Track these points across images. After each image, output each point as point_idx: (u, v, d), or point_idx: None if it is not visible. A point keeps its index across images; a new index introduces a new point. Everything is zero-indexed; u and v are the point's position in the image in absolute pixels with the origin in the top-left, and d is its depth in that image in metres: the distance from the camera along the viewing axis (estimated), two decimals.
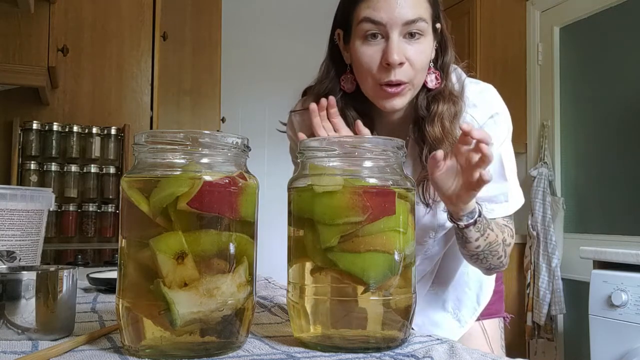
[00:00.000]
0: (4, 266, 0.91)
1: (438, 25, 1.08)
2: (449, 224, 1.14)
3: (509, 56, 3.51)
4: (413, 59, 1.01)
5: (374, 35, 1.01)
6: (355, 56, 1.04)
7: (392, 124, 1.13)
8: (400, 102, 1.04)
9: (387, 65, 1.00)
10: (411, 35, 1.00)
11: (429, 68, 1.08)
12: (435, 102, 1.07)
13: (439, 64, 1.10)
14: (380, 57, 1.01)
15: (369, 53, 1.02)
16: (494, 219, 1.10)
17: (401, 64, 1.00)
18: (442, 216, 1.12)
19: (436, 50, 1.09)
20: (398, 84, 1.01)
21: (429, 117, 1.07)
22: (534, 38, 3.51)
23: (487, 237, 1.03)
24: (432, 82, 1.08)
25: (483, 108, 1.09)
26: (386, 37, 1.00)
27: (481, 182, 0.91)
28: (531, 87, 3.52)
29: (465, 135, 0.89)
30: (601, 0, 3.05)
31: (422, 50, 1.02)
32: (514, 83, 3.51)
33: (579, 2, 3.21)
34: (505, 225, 1.10)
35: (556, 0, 3.36)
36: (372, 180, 0.66)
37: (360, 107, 1.11)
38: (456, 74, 1.12)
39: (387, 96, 1.03)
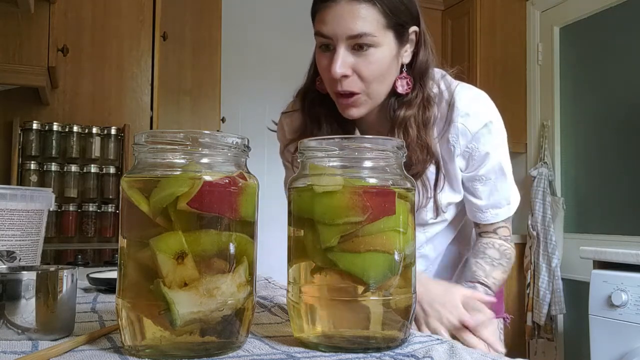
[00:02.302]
0: (4, 266, 0.91)
1: (414, 29, 1.06)
2: (437, 220, 1.15)
3: (509, 56, 3.51)
4: (360, 70, 1.01)
5: (327, 47, 1.03)
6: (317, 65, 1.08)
7: (374, 124, 1.14)
8: (356, 112, 1.05)
9: (332, 77, 1.02)
10: (360, 46, 1.00)
11: (402, 72, 1.07)
12: (401, 107, 1.07)
13: (412, 69, 1.09)
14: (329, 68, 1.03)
15: (323, 63, 1.04)
16: (500, 232, 1.15)
17: (346, 76, 1.01)
18: (428, 214, 1.13)
19: (413, 54, 1.09)
20: (349, 95, 1.03)
21: (394, 122, 1.07)
22: (534, 38, 3.51)
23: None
24: (402, 87, 1.07)
25: (475, 117, 1.08)
26: (334, 49, 1.01)
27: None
28: (531, 87, 3.52)
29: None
30: (601, 0, 3.05)
31: (371, 61, 1.01)
32: (514, 83, 3.51)
33: (579, 2, 3.21)
34: (506, 247, 1.15)
35: (556, 0, 3.36)
36: (372, 180, 0.66)
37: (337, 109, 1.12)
38: (445, 81, 1.11)
39: (343, 106, 1.05)
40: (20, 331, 0.65)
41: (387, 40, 1.02)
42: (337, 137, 0.70)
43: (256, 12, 3.77)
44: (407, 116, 1.06)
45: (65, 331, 0.69)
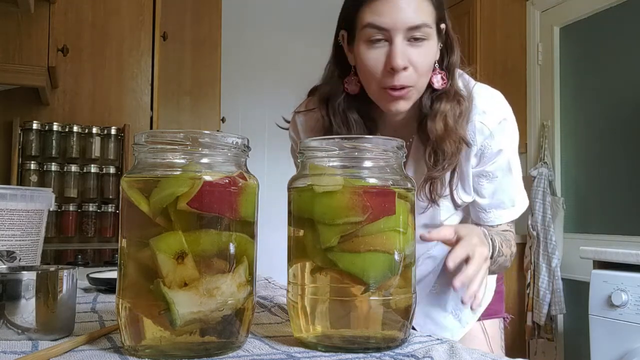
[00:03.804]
0: (4, 266, 0.91)
1: (443, 26, 1.07)
2: (450, 222, 1.15)
3: (509, 56, 3.51)
4: (417, 63, 1.00)
5: (378, 40, 1.00)
6: (360, 60, 1.04)
7: (396, 125, 1.13)
8: (404, 105, 1.04)
9: (391, 69, 0.99)
10: (415, 39, 1.00)
11: (435, 69, 1.07)
12: (439, 100, 1.07)
13: (445, 65, 1.09)
14: (384, 62, 1.00)
15: (373, 57, 1.01)
16: (504, 231, 1.13)
17: (405, 68, 0.99)
18: (445, 214, 1.12)
19: (441, 50, 1.09)
20: (402, 88, 1.01)
21: (432, 114, 1.07)
22: (534, 38, 3.51)
23: (497, 263, 1.05)
24: (438, 82, 1.07)
25: (492, 114, 1.08)
26: (390, 41, 1.00)
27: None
28: (531, 87, 3.52)
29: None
30: (601, 0, 3.05)
31: (426, 53, 1.01)
32: (514, 83, 3.51)
33: (579, 2, 3.21)
34: (509, 237, 1.12)
35: (556, 0, 3.36)
36: (372, 180, 0.66)
37: (364, 109, 1.11)
38: (463, 79, 1.12)
39: (392, 99, 1.03)
40: (20, 331, 0.65)
41: (434, 34, 1.03)
42: (337, 137, 0.70)
43: (256, 12, 3.77)
44: (446, 108, 1.06)
45: (65, 331, 0.69)
